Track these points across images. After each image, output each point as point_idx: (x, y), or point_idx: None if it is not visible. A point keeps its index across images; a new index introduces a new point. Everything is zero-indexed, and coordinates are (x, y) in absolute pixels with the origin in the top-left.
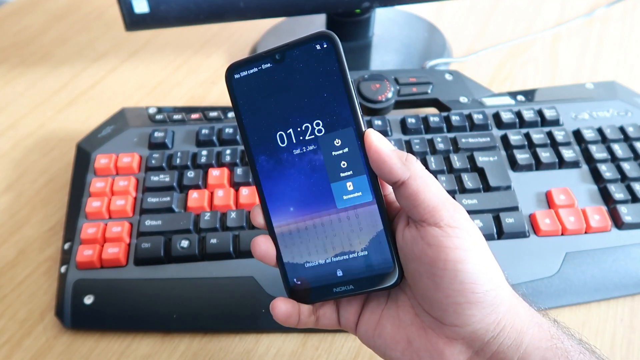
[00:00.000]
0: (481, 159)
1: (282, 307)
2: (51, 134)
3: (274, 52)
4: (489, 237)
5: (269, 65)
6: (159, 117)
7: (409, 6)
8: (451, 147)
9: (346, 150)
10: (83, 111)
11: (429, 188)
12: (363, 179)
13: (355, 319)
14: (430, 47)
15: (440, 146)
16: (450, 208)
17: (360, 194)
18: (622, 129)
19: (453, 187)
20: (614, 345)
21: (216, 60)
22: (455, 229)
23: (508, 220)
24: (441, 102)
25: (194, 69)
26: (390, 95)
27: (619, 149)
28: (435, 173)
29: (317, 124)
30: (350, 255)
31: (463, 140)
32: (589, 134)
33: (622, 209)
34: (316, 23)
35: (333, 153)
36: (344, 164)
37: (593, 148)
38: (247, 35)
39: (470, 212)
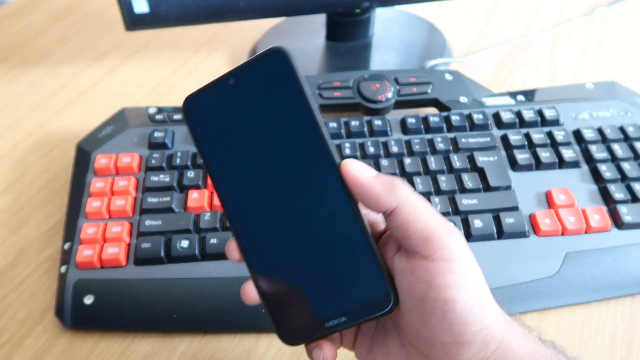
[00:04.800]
0: (481, 159)
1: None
2: (51, 134)
3: (227, 77)
4: (489, 237)
5: (225, 92)
6: (159, 117)
7: (409, 6)
8: (451, 147)
9: (319, 175)
10: (83, 111)
11: (420, 216)
12: (343, 206)
13: (352, 340)
14: (430, 47)
15: (440, 146)
16: (445, 237)
17: (341, 221)
18: (622, 129)
19: (453, 187)
20: (614, 345)
21: (216, 60)
22: (449, 262)
23: (508, 220)
24: (441, 102)
25: (194, 69)
26: (390, 95)
27: (619, 149)
28: (435, 173)
29: (285, 150)
30: (337, 285)
31: (463, 140)
32: (589, 134)
33: (622, 209)
34: (316, 23)
35: (306, 181)
36: (319, 192)
37: (593, 148)
38: (247, 35)
39: (470, 212)
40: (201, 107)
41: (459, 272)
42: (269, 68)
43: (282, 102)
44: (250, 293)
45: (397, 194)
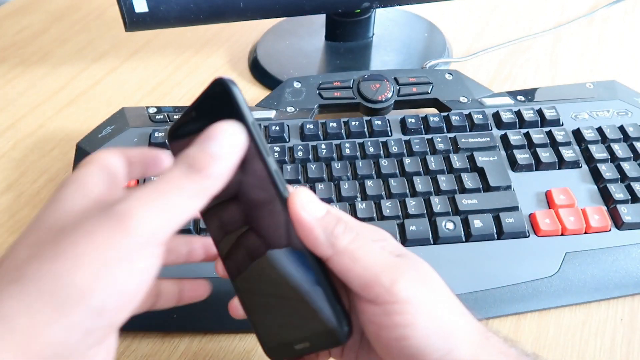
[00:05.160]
0: (481, 158)
1: None
2: (51, 134)
3: (190, 109)
4: (488, 237)
5: (190, 123)
6: (159, 117)
7: (409, 6)
8: (451, 147)
9: (270, 206)
10: (83, 111)
11: (357, 264)
12: (295, 241)
13: (340, 352)
14: (430, 47)
15: (440, 146)
16: (385, 282)
17: (294, 256)
18: (622, 129)
19: (453, 187)
20: (614, 345)
21: (216, 60)
22: (395, 304)
23: (508, 220)
24: (441, 102)
25: (194, 69)
26: (390, 95)
27: (619, 149)
28: (435, 173)
29: (240, 181)
30: (299, 315)
31: (463, 140)
32: (589, 134)
33: (622, 209)
34: (316, 23)
35: (260, 212)
36: (273, 224)
37: (593, 148)
38: (247, 35)
39: (470, 212)
40: (177, 138)
41: (407, 311)
42: (215, 99)
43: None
44: (237, 310)
45: (333, 243)
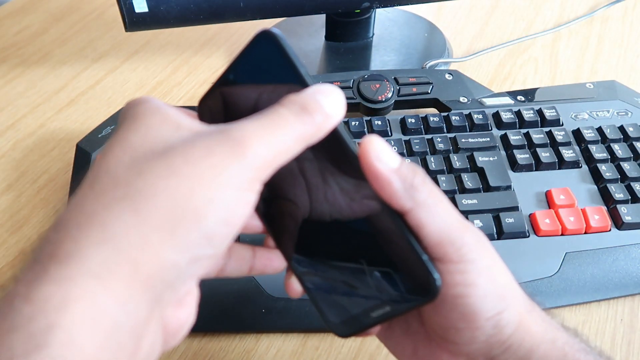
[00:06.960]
0: (481, 159)
1: None
2: (51, 134)
3: (226, 73)
4: (488, 237)
5: (229, 86)
6: None
7: (409, 6)
8: (451, 147)
9: (337, 160)
10: (83, 111)
11: (434, 219)
12: (371, 194)
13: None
14: (430, 47)
15: (440, 146)
16: (457, 241)
17: (371, 211)
18: (622, 129)
19: (453, 187)
20: (614, 345)
21: (216, 60)
22: (459, 264)
23: (508, 220)
24: (441, 102)
25: (194, 69)
26: (390, 95)
27: (619, 149)
28: (435, 173)
29: None
30: (377, 276)
31: (463, 140)
32: (588, 134)
33: (622, 209)
34: (316, 23)
35: (327, 169)
36: (342, 180)
37: (593, 148)
38: (247, 35)
39: (470, 212)
40: (212, 105)
41: (470, 271)
42: (261, 55)
43: (281, 85)
44: (295, 287)
45: (413, 195)
